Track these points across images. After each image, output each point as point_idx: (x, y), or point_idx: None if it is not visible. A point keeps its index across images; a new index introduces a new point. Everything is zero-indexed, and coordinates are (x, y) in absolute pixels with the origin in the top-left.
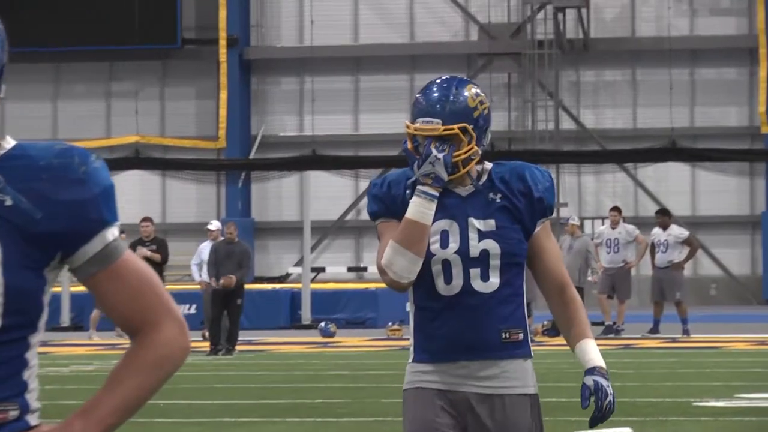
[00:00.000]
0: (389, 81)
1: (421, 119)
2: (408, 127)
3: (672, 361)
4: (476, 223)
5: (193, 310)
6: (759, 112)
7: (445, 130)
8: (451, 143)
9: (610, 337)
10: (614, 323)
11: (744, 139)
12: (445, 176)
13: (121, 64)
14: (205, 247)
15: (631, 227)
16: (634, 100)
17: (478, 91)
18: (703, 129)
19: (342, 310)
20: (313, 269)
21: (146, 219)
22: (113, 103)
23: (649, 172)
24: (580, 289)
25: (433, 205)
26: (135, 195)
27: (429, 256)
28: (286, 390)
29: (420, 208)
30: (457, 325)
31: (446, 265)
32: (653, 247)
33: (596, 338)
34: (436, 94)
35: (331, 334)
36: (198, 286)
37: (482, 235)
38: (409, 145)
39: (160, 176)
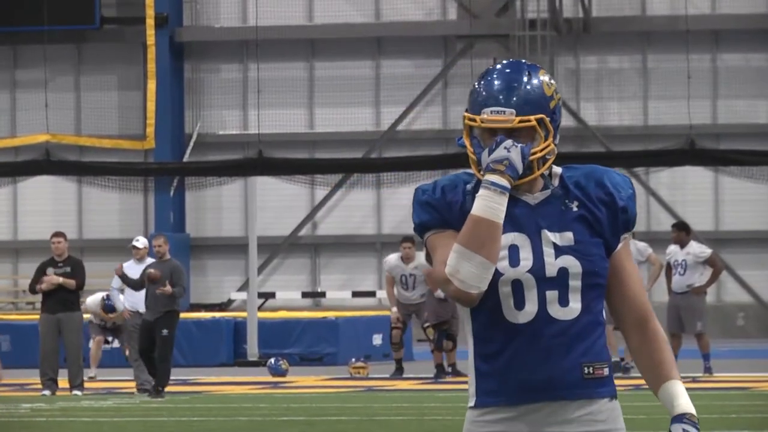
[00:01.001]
0: (351, 68)
1: (489, 109)
2: (472, 120)
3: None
4: (551, 236)
5: (116, 344)
6: None
7: (520, 122)
8: (525, 139)
9: (617, 376)
10: (622, 359)
11: None
12: (520, 167)
13: (28, 48)
14: (130, 268)
15: (642, 245)
16: (645, 91)
17: (552, 79)
18: (727, 126)
19: (295, 343)
20: (261, 295)
21: (58, 234)
22: (18, 95)
23: (663, 178)
24: None
25: (505, 199)
26: (45, 206)
27: (497, 275)
28: None
29: (489, 203)
30: (531, 359)
31: (517, 286)
32: (669, 269)
33: None
34: (505, 80)
35: (283, 373)
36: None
37: (559, 250)
38: (467, 143)
39: (76, 183)
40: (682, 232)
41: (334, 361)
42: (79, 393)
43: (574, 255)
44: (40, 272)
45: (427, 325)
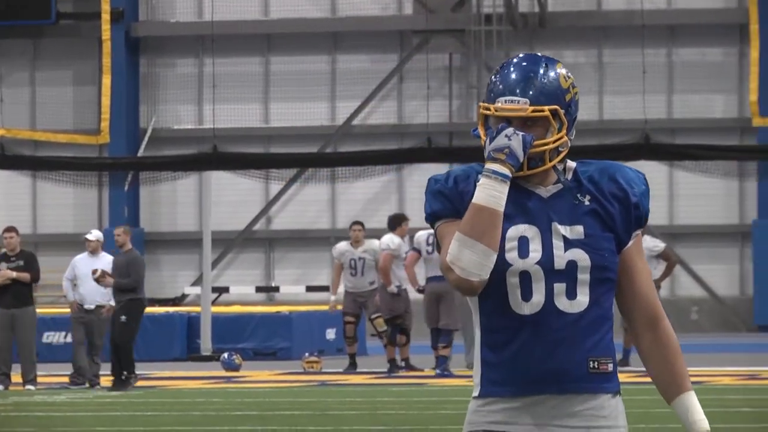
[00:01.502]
0: (306, 63)
1: (504, 98)
2: (487, 108)
3: (645, 399)
4: (561, 229)
5: (70, 339)
6: (749, 101)
7: (534, 111)
8: (539, 130)
9: None
10: None
11: (731, 133)
12: (521, 156)
13: None
14: (81, 260)
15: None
16: (600, 86)
17: (570, 74)
18: (682, 121)
19: (249, 338)
20: (215, 289)
21: (10, 229)
22: None
23: None
24: None
25: (506, 188)
26: None
27: (505, 266)
28: None
29: (490, 191)
30: (538, 350)
31: (525, 277)
32: None
33: None
34: (521, 70)
35: (236, 367)
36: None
37: (569, 243)
38: (481, 133)
39: (30, 178)
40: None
41: (287, 355)
42: (32, 388)
43: (584, 248)
44: None
45: (374, 316)
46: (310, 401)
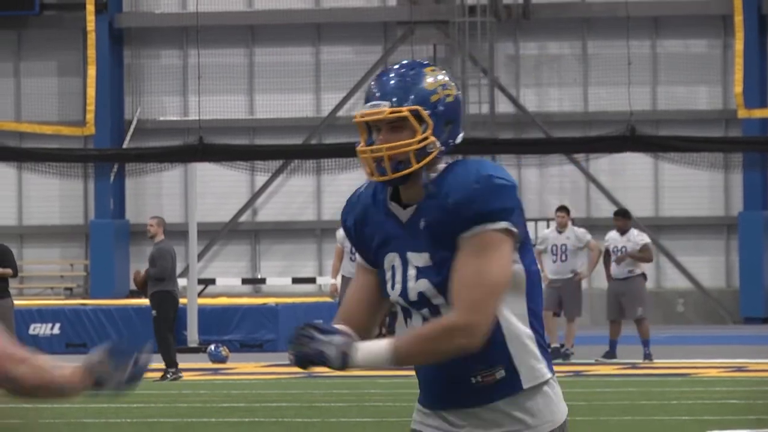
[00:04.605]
0: (290, 55)
1: (367, 104)
2: (356, 117)
3: (631, 392)
4: (411, 257)
5: (56, 330)
6: (734, 92)
7: (392, 113)
8: (405, 133)
9: (557, 363)
10: (562, 345)
11: (717, 125)
12: (338, 360)
13: None
14: None
15: (581, 231)
16: (585, 78)
17: (445, 77)
18: (667, 113)
19: (235, 329)
20: (201, 281)
21: None
22: None
23: (603, 164)
24: None
25: (361, 354)
26: None
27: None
28: (167, 426)
29: (366, 363)
30: (426, 372)
31: (400, 306)
32: (608, 255)
33: None
34: (387, 77)
35: (223, 359)
36: (64, 302)
37: (419, 272)
38: (361, 141)
39: (15, 169)
40: (624, 219)
41: (274, 347)
42: None
43: (429, 276)
44: None
45: None
46: (297, 393)
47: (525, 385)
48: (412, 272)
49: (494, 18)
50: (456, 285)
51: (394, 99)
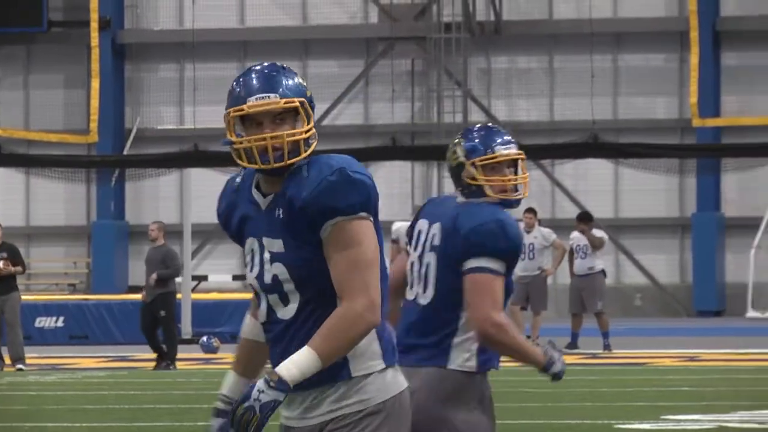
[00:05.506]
0: None
1: (254, 97)
2: (240, 110)
3: (592, 380)
4: (266, 243)
5: (60, 323)
6: (690, 103)
7: (286, 102)
8: (291, 123)
9: None
10: (528, 337)
11: (673, 133)
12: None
13: None
14: None
15: (547, 231)
16: (551, 89)
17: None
18: (627, 122)
19: (226, 322)
20: (194, 277)
21: None
22: None
23: (567, 169)
24: None
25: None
26: None
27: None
28: (162, 412)
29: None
30: (274, 355)
31: (255, 289)
32: (572, 253)
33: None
34: (263, 74)
35: (214, 350)
36: (68, 297)
37: (273, 257)
38: (233, 137)
39: (24, 174)
40: (587, 222)
41: None
42: (22, 367)
43: (284, 262)
44: None
45: None
46: None
47: (344, 376)
48: (266, 256)
49: (468, 34)
50: (338, 276)
51: (281, 91)
